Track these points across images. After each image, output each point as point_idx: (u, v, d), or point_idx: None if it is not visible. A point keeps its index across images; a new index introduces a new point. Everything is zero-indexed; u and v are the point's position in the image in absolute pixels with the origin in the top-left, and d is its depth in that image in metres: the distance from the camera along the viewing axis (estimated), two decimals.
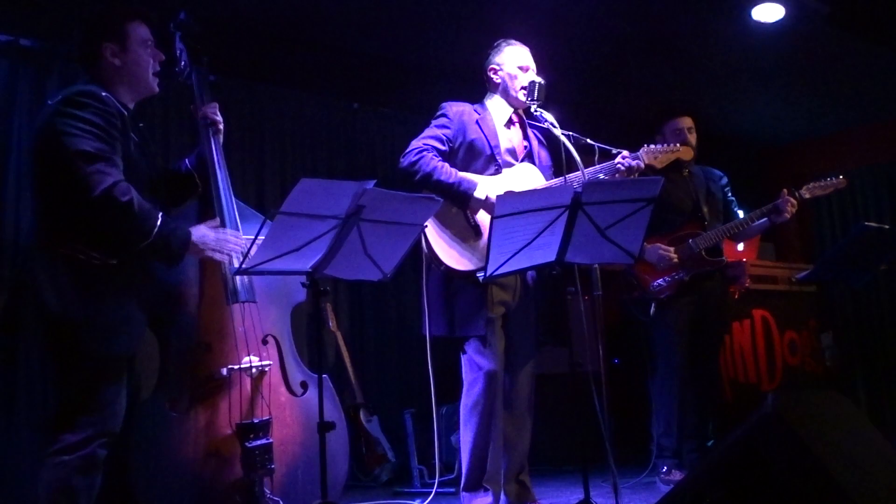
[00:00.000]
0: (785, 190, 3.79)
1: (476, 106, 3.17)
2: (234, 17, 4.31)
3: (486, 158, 3.04)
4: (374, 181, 2.25)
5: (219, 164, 2.66)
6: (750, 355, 5.19)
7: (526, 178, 3.08)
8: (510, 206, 2.39)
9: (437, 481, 3.36)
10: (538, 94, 3.06)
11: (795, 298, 5.58)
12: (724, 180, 4.09)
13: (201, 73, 2.80)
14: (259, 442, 2.46)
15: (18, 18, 3.75)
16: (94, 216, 2.20)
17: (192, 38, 2.81)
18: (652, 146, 3.15)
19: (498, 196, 2.41)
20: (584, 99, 5.46)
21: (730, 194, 4.07)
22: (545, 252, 2.55)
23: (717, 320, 3.94)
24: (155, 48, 2.48)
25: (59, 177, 2.20)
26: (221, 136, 2.72)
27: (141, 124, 2.52)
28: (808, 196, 3.81)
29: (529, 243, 2.48)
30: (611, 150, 3.06)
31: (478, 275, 2.86)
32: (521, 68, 3.14)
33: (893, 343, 6.28)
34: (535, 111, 3.04)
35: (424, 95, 5.03)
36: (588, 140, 3.01)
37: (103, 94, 2.29)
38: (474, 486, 2.96)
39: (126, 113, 2.36)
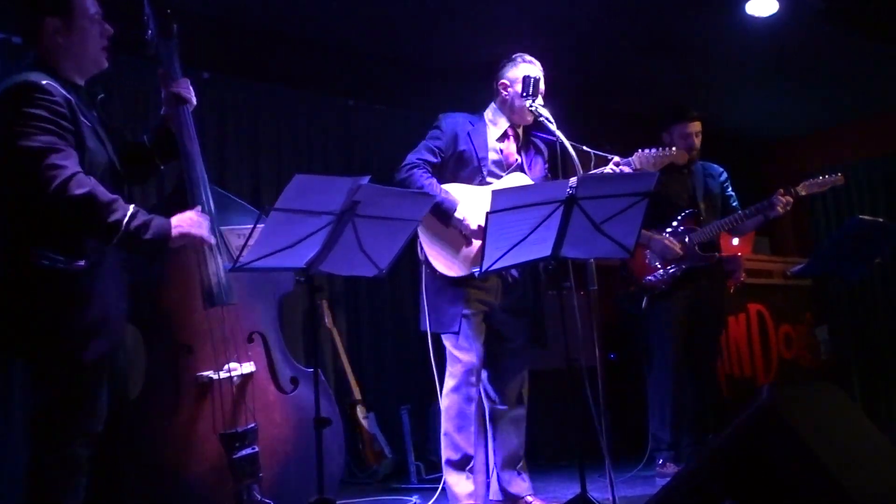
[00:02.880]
0: (781, 189, 3.80)
1: (473, 117, 3.21)
2: (229, 14, 4.30)
3: (472, 169, 3.11)
4: (369, 177, 2.24)
5: (191, 141, 2.48)
6: (745, 349, 5.20)
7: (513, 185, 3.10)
8: (505, 202, 2.39)
9: (421, 476, 3.36)
10: (533, 89, 3.06)
11: (791, 292, 5.60)
12: (724, 176, 4.12)
13: (171, 44, 2.55)
14: (245, 452, 2.42)
15: (9, 16, 3.73)
16: (55, 214, 2.07)
17: (160, 2, 2.55)
18: (645, 151, 3.14)
19: (493, 191, 2.43)
20: (580, 96, 5.46)
21: (729, 189, 4.09)
22: (541, 247, 2.56)
23: (713, 315, 3.96)
24: (103, 21, 2.29)
25: (13, 178, 2.10)
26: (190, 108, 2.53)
27: (101, 95, 2.37)
28: (804, 193, 3.83)
29: (525, 238, 2.48)
30: (606, 157, 3.07)
31: (473, 270, 2.92)
32: None
33: (888, 336, 6.30)
34: (532, 107, 3.03)
35: (420, 92, 5.04)
36: (584, 147, 3.02)
37: (44, 82, 2.11)
38: (456, 464, 3.03)
39: (72, 96, 2.19)
